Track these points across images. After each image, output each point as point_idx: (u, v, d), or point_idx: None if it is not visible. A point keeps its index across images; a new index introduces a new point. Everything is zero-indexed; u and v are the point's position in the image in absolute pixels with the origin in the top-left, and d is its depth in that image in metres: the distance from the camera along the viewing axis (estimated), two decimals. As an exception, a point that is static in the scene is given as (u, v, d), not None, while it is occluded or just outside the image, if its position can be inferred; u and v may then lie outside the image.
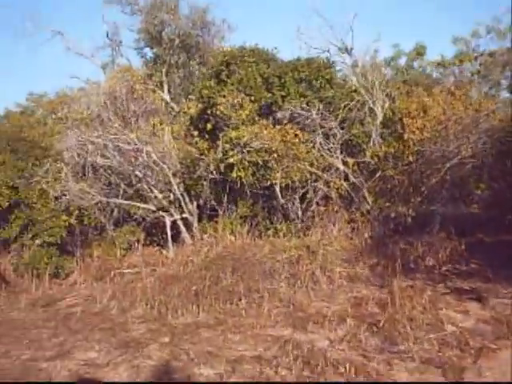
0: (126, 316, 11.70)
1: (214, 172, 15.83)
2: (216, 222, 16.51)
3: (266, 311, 11.14)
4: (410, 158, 14.57)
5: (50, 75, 43.06)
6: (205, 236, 15.90)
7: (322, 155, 15.11)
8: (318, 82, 16.15)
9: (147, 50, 28.28)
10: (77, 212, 15.58)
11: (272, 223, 16.49)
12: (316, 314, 10.84)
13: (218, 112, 15.57)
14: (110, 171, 17.42)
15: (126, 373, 8.74)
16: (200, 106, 17.14)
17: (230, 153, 14.77)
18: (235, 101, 15.15)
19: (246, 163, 14.78)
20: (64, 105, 25.04)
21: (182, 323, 10.99)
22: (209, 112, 16.27)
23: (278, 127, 14.86)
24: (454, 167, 14.45)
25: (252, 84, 16.00)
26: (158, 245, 18.21)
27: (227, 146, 15.07)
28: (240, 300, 11.74)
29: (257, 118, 15.23)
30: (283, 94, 15.91)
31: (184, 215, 17.09)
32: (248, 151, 14.66)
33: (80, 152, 16.54)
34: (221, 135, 15.64)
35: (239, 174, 14.74)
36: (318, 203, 16.20)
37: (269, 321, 10.67)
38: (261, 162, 14.65)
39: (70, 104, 20.76)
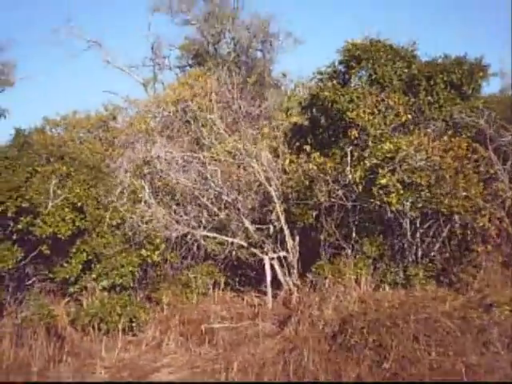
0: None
1: (343, 197, 11.29)
2: (333, 263, 11.91)
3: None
4: None
5: (77, 91, 37.25)
6: (326, 281, 11.23)
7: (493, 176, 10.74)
8: (471, 87, 11.88)
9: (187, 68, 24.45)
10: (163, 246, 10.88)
11: (398, 265, 11.94)
12: None
13: (347, 119, 11.23)
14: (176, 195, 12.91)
15: None
16: (308, 114, 12.81)
17: (380, 171, 10.30)
18: (380, 105, 10.80)
19: (399, 185, 10.31)
20: (103, 123, 20.73)
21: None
22: (328, 120, 11.93)
23: (444, 138, 10.45)
24: None
25: (388, 86, 11.69)
26: (233, 289, 13.69)
27: (369, 162, 10.62)
28: (464, 387, 7.18)
29: (411, 127, 10.86)
30: (430, 99, 11.58)
31: (281, 253, 12.57)
32: (405, 169, 10.24)
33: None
34: (349, 149, 11.23)
35: (392, 199, 10.24)
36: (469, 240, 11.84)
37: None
38: (424, 184, 10.20)
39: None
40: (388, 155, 10.32)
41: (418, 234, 11.81)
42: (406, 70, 11.94)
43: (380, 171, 10.35)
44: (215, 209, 12.75)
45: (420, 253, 11.89)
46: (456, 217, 11.24)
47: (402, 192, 10.29)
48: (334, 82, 12.01)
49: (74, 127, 21.09)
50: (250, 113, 12.07)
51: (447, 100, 11.65)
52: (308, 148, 12.03)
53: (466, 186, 10.21)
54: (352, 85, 12.00)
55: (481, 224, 11.02)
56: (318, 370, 7.75)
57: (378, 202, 10.68)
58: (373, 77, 11.81)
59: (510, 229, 11.37)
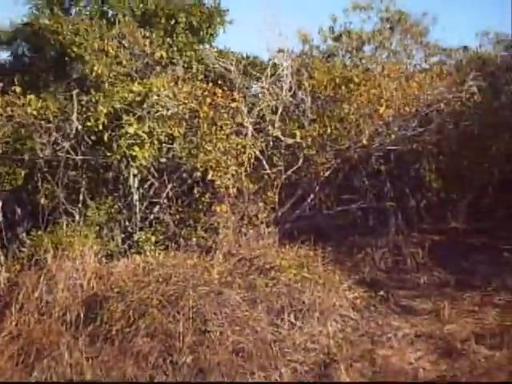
0: None
1: (71, 151, 8.80)
2: (52, 232, 9.24)
3: None
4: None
5: None
6: (47, 255, 8.51)
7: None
8: (209, 32, 10.51)
9: None
10: None
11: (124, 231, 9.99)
12: None
13: (72, 55, 8.83)
14: None
15: None
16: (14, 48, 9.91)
17: (125, 118, 8.13)
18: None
19: (145, 136, 8.28)
20: None
21: None
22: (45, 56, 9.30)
23: (197, 83, 8.74)
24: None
25: (119, 21, 9.57)
26: None
27: (105, 107, 8.32)
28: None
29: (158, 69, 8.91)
30: (169, 41, 9.83)
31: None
32: (156, 118, 8.28)
33: None
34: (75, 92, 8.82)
35: (138, 152, 8.17)
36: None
37: None
38: (176, 135, 8.39)
39: None
40: (137, 98, 8.21)
41: (139, 194, 9.99)
42: (140, 5, 9.94)
43: (125, 118, 8.18)
44: None
45: (150, 216, 10.12)
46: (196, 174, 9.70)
47: (155, 143, 8.29)
48: (55, 8, 9.35)
49: None
50: None
51: (187, 44, 10.03)
52: (18, 89, 9.16)
53: (218, 138, 8.71)
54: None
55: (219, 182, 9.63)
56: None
57: (119, 156, 8.51)
58: (103, 8, 9.49)
59: (248, 186, 10.28)
